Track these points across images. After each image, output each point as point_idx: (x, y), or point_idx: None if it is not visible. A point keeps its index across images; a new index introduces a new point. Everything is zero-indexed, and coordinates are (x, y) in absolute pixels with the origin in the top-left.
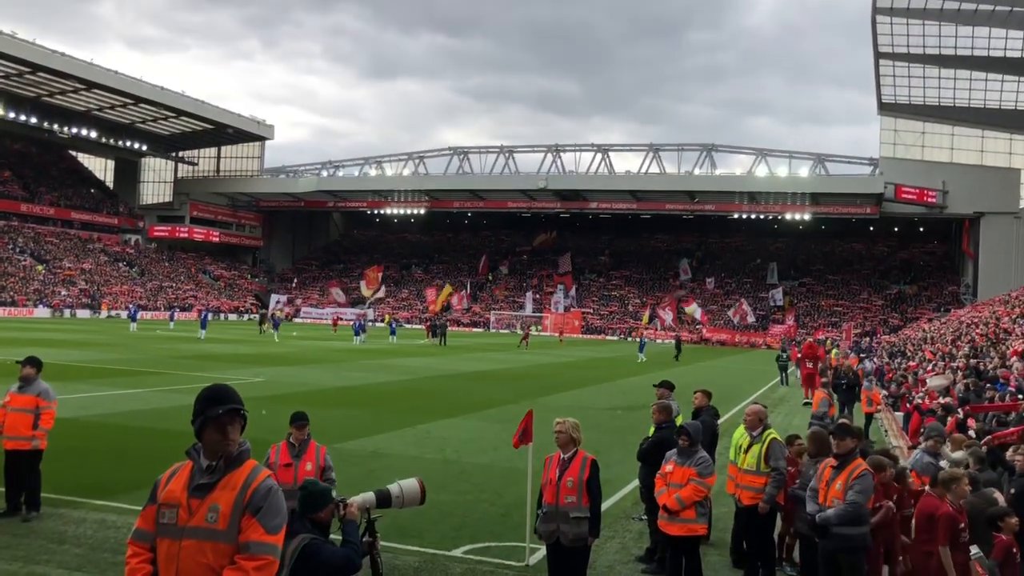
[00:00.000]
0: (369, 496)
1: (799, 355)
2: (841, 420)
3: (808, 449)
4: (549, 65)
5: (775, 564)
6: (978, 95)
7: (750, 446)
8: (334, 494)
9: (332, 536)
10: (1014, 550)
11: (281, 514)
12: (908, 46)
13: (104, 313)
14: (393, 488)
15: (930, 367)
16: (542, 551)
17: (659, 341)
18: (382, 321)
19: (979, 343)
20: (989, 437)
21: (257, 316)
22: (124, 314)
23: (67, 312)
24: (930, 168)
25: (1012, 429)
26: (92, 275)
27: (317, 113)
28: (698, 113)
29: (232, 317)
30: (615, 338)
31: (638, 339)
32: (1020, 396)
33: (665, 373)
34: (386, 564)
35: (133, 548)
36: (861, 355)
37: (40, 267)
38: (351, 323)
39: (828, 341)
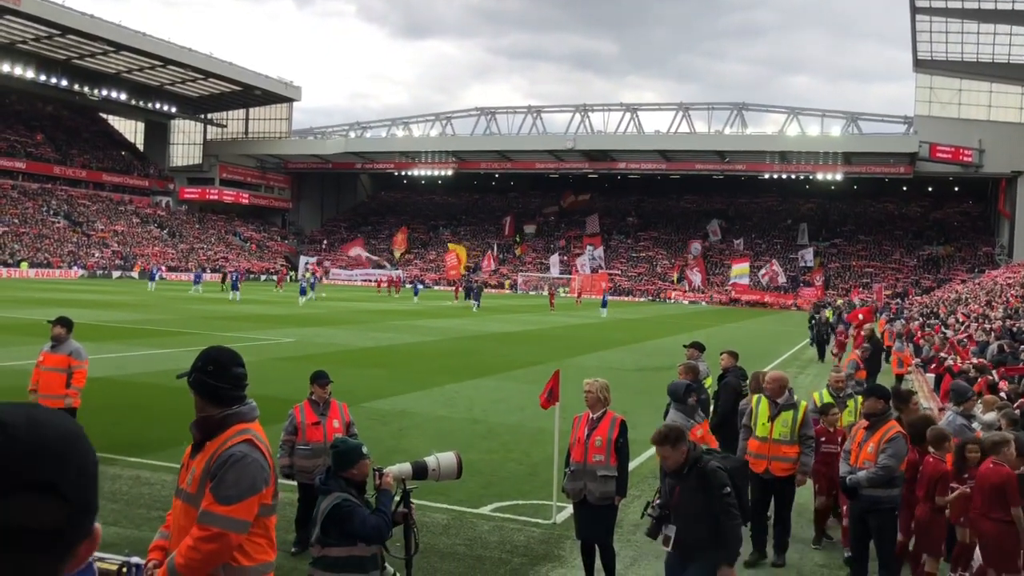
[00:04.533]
0: (405, 467)
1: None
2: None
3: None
4: (584, 23)
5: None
6: (1018, 51)
7: (777, 414)
8: (364, 449)
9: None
10: None
11: (239, 485)
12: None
13: (136, 274)
14: (430, 460)
15: (962, 329)
16: (569, 509)
17: (686, 303)
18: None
19: (1014, 304)
20: (1022, 400)
21: (222, 275)
22: (157, 275)
23: (100, 273)
24: (966, 126)
25: None
26: (124, 237)
27: (349, 74)
28: (734, 71)
29: (263, 278)
30: (643, 299)
31: (601, 296)
32: None
33: (695, 334)
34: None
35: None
36: (890, 317)
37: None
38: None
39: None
